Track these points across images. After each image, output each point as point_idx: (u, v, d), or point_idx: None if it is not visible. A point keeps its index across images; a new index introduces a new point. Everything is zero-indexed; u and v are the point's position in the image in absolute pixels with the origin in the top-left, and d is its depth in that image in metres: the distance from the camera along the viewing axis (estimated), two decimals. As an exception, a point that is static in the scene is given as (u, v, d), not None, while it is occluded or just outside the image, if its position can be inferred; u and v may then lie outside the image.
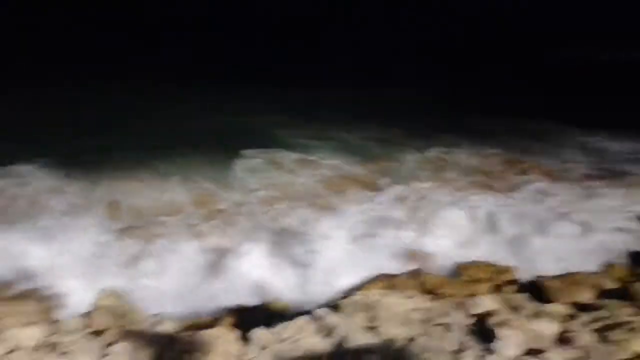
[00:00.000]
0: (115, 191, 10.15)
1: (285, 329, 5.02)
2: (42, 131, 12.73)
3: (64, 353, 4.22)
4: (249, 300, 6.49)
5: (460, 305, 5.91)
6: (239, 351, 4.57)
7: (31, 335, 4.65)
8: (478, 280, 6.99)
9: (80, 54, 21.04)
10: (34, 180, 10.20)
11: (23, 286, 6.59)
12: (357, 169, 11.32)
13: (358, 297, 5.77)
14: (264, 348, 4.68)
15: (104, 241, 8.18)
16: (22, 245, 7.36)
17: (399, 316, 5.44)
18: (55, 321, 5.56)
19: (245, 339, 4.78)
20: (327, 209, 9.35)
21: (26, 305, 5.62)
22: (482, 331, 5.39)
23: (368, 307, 5.57)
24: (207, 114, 14.87)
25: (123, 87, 16.90)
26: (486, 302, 5.86)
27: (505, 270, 7.04)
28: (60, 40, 22.77)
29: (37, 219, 8.62)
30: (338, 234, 8.27)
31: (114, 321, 5.36)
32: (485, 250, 8.00)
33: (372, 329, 5.35)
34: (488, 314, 5.66)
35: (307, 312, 5.46)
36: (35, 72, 18.27)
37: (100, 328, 5.22)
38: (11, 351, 4.15)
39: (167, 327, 5.54)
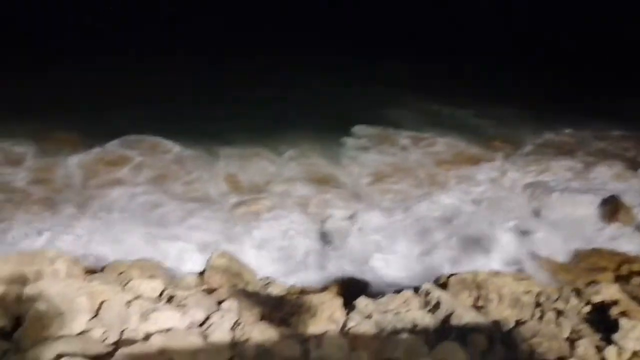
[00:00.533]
0: (233, 164, 10.67)
1: (391, 301, 5.00)
2: (162, 100, 13.61)
3: (180, 305, 4.51)
4: (357, 270, 6.58)
5: (577, 292, 5.56)
6: (343, 317, 4.63)
7: (153, 287, 5.00)
8: (599, 268, 6.54)
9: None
10: (161, 150, 10.96)
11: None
12: (473, 149, 10.99)
13: (466, 275, 5.60)
14: (368, 317, 4.70)
15: (222, 209, 8.69)
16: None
17: (509, 298, 5.22)
18: (174, 277, 5.98)
19: (349, 306, 4.83)
20: (440, 186, 9.20)
21: (150, 262, 6.08)
22: (601, 320, 5.04)
23: (476, 286, 5.40)
24: (311, 88, 14.95)
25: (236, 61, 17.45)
26: (608, 291, 5.46)
27: (634, 259, 6.50)
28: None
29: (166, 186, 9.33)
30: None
31: (226, 281, 5.65)
32: (607, 237, 7.48)
33: (479, 308, 5.20)
34: (609, 304, 5.28)
35: (414, 287, 5.41)
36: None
37: (214, 286, 5.53)
38: (136, 298, 4.50)
39: (276, 290, 5.75)
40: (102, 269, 5.86)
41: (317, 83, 15.17)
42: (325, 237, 7.66)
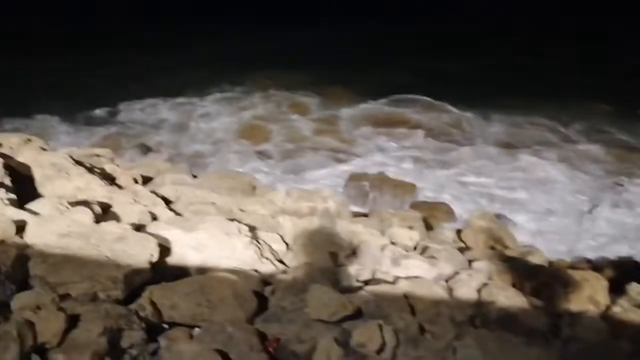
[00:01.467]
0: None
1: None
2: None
3: (431, 257, 4.60)
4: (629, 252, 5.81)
5: None
6: (606, 300, 4.14)
7: (410, 236, 5.20)
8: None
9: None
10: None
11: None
12: None
13: None
14: (638, 306, 4.12)
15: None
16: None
17: None
18: (432, 230, 6.10)
19: (617, 291, 4.29)
20: None
21: (411, 213, 6.31)
22: None
23: None
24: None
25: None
26: None
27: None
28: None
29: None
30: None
31: (483, 242, 5.53)
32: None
33: None
34: None
35: None
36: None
37: (470, 245, 5.48)
38: (391, 243, 4.76)
39: (536, 260, 5.42)
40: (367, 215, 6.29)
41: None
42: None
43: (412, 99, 12.15)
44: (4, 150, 5.48)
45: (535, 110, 11.43)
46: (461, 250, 5.16)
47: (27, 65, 14.01)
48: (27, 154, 5.02)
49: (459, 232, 5.89)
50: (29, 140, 6.34)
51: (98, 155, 6.34)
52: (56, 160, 4.93)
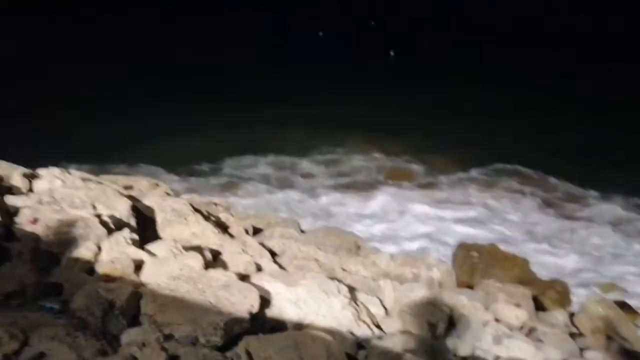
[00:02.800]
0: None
1: None
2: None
3: (538, 340, 4.32)
4: None
5: None
6: None
7: (516, 315, 4.93)
8: None
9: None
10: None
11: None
12: None
13: None
14: None
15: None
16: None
17: None
18: (543, 311, 5.73)
19: None
20: None
21: (519, 289, 5.98)
22: None
23: None
24: None
25: None
26: None
27: None
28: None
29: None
30: None
31: (598, 329, 5.10)
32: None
33: None
34: None
35: None
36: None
37: (583, 332, 5.07)
38: (495, 320, 4.54)
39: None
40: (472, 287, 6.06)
41: None
42: None
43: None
44: (134, 193, 6.01)
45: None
46: (573, 336, 4.79)
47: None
48: (153, 198, 5.46)
49: (572, 316, 5.48)
50: (157, 185, 6.91)
51: (215, 204, 6.74)
52: (177, 206, 5.31)
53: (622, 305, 6.69)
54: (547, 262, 8.39)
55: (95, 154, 12.40)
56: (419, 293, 4.63)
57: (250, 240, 5.17)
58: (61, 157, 10.77)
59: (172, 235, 5.08)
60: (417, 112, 15.61)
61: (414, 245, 9.10)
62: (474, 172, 11.91)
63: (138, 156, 12.72)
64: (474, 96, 16.68)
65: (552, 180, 11.27)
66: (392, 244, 8.87)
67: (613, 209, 9.99)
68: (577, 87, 17.32)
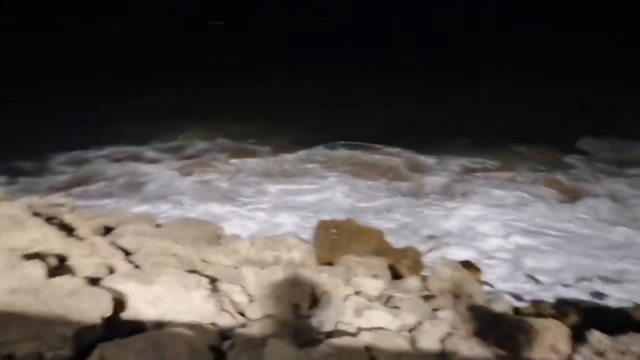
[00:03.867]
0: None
1: (635, 342, 4.29)
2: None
3: (395, 306, 4.55)
4: (591, 298, 5.84)
5: None
6: (568, 350, 4.13)
7: (375, 285, 5.16)
8: None
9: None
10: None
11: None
12: None
13: None
14: (600, 354, 4.11)
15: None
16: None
17: None
18: (400, 279, 6.07)
19: (578, 338, 4.29)
20: None
21: (376, 261, 6.28)
22: None
23: None
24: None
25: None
26: None
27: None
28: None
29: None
30: None
31: (448, 290, 5.51)
32: None
33: None
34: None
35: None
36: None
37: (434, 293, 5.44)
38: (356, 293, 4.71)
39: (500, 307, 5.41)
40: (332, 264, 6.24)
41: None
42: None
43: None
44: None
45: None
46: (426, 298, 5.12)
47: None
48: (-18, 206, 4.88)
49: (424, 279, 5.87)
50: (-13, 189, 6.19)
51: (59, 205, 6.20)
52: (12, 211, 4.80)
53: (467, 265, 7.30)
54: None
55: None
56: (280, 275, 4.65)
57: (100, 241, 4.83)
58: None
59: (8, 245, 4.60)
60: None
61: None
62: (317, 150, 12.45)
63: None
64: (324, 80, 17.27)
65: (394, 150, 12.03)
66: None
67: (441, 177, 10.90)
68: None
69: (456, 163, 11.72)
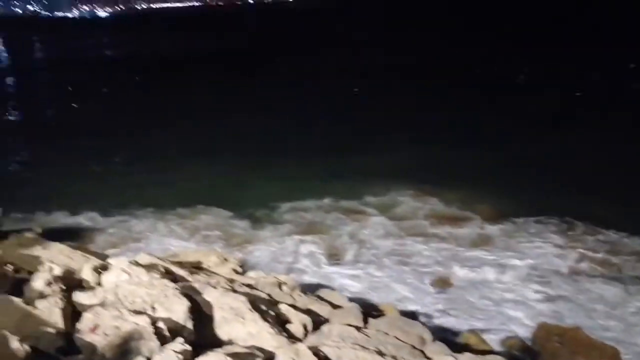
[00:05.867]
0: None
1: None
2: None
3: None
4: None
5: None
6: None
7: None
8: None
9: None
10: None
11: None
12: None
13: None
14: None
15: None
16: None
17: None
18: None
19: None
20: None
21: None
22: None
23: None
24: None
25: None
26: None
27: None
28: None
29: None
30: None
31: None
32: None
33: None
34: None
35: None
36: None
37: None
38: None
39: None
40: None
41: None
42: None
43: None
44: (201, 277, 6.14)
45: None
46: None
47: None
48: (212, 294, 5.48)
49: None
50: (225, 260, 7.02)
51: (281, 284, 6.68)
52: (235, 304, 5.32)
53: None
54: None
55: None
56: None
57: (304, 350, 5.03)
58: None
59: (229, 335, 5.12)
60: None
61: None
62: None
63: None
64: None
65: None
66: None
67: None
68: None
69: None
